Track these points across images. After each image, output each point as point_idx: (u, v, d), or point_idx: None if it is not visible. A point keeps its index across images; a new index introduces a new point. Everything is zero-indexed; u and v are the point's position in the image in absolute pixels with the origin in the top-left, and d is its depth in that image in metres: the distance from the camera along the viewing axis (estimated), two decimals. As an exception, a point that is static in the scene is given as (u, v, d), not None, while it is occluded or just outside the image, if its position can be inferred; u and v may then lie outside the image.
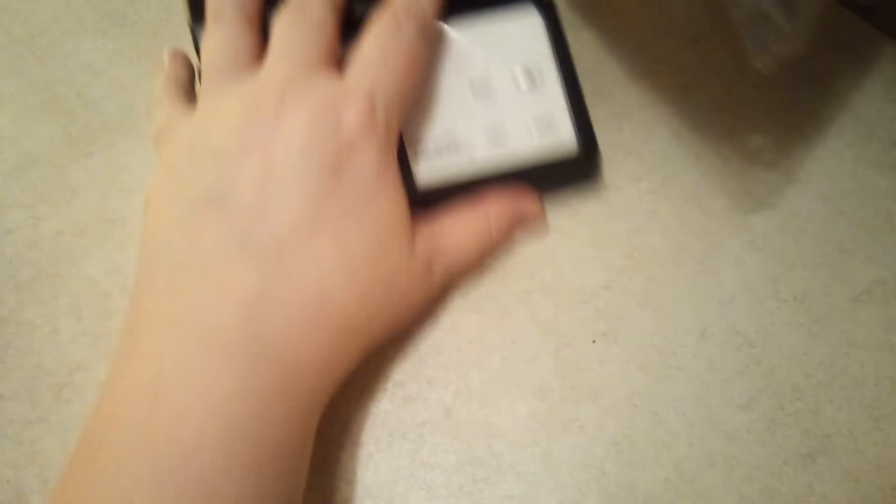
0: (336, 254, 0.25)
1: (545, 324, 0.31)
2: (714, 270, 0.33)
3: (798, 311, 0.32)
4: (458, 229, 0.30)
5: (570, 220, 0.35)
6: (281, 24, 0.28)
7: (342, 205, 0.25)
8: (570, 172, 0.34)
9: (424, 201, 0.30)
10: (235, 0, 0.29)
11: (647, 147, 0.35)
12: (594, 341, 0.31)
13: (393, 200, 0.27)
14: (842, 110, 0.39)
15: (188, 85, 0.32)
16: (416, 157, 0.30)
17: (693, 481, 0.27)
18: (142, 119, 0.36)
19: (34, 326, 0.31)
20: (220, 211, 0.24)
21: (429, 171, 0.30)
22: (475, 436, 0.28)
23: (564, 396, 0.29)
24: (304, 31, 0.28)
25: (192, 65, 0.33)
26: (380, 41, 0.28)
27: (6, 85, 0.38)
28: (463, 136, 0.31)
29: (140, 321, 0.24)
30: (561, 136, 0.32)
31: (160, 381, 0.22)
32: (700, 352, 0.31)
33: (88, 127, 0.36)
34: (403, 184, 0.28)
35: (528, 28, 0.32)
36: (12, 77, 0.38)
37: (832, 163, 0.37)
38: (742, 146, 0.37)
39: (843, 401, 0.29)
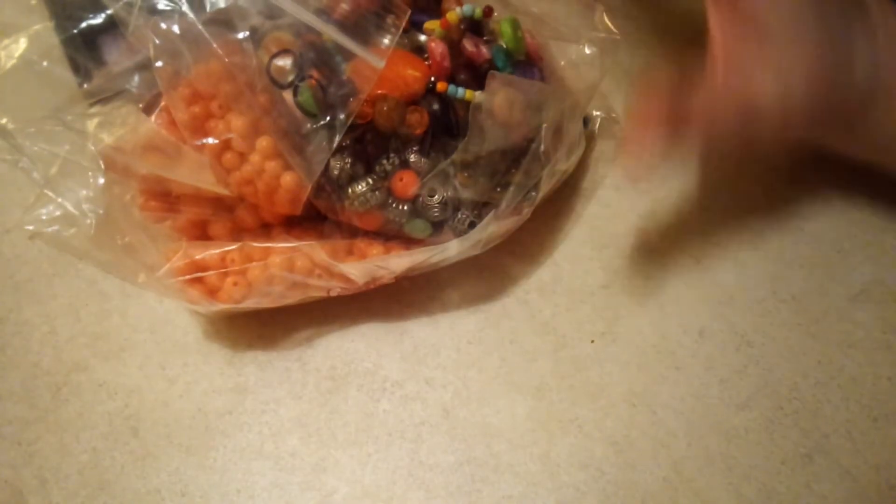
0: None
1: (544, 324, 0.31)
2: (712, 270, 0.33)
3: (796, 310, 0.32)
4: None
5: (569, 219, 0.35)
6: None
7: None
8: None
9: None
10: None
11: (645, 147, 0.35)
12: (593, 341, 0.31)
13: None
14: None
15: None
16: None
17: (691, 481, 0.27)
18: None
19: (32, 326, 0.31)
20: None
21: None
22: (473, 436, 0.28)
23: (563, 396, 0.29)
24: None
25: None
26: None
27: None
28: None
29: None
30: None
31: None
32: (698, 351, 0.31)
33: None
34: None
35: None
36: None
37: (830, 163, 0.37)
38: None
39: (841, 400, 0.29)
